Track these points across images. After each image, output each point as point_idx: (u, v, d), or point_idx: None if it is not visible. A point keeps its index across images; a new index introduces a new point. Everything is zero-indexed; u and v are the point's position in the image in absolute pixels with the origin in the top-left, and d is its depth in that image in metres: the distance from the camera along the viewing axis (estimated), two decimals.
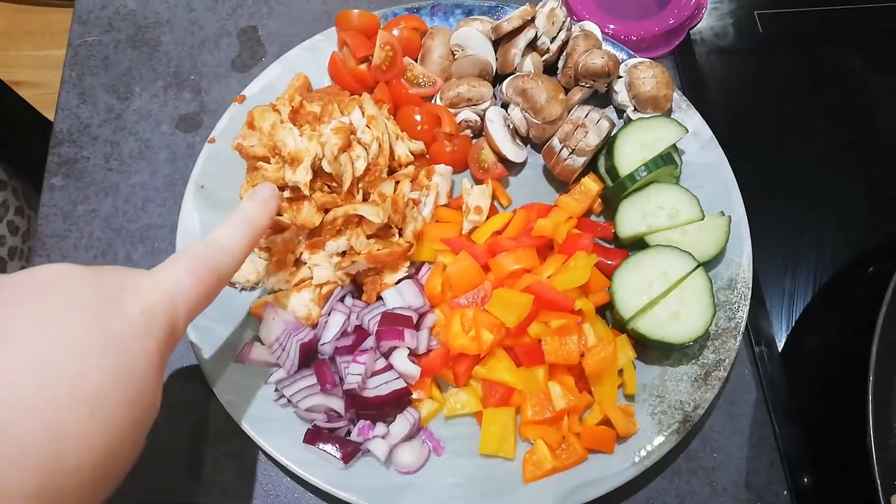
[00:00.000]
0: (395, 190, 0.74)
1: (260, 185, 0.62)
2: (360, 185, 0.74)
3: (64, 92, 0.91)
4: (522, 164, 0.84)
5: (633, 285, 0.69)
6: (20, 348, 0.37)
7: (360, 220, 0.72)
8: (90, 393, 0.38)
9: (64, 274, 0.42)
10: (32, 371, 0.37)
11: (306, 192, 0.72)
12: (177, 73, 0.92)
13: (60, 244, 0.82)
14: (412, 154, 0.80)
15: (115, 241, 0.82)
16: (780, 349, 0.75)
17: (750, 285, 0.73)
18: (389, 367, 0.68)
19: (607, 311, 0.73)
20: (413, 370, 0.67)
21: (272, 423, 0.67)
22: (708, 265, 0.73)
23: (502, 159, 0.81)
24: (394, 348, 0.68)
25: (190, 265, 0.48)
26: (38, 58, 2.50)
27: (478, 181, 0.82)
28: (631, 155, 0.77)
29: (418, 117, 0.82)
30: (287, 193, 0.74)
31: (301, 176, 0.71)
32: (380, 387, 0.67)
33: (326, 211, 0.73)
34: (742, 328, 0.71)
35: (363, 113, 0.76)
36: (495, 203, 0.81)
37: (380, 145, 0.75)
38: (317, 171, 0.73)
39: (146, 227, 0.83)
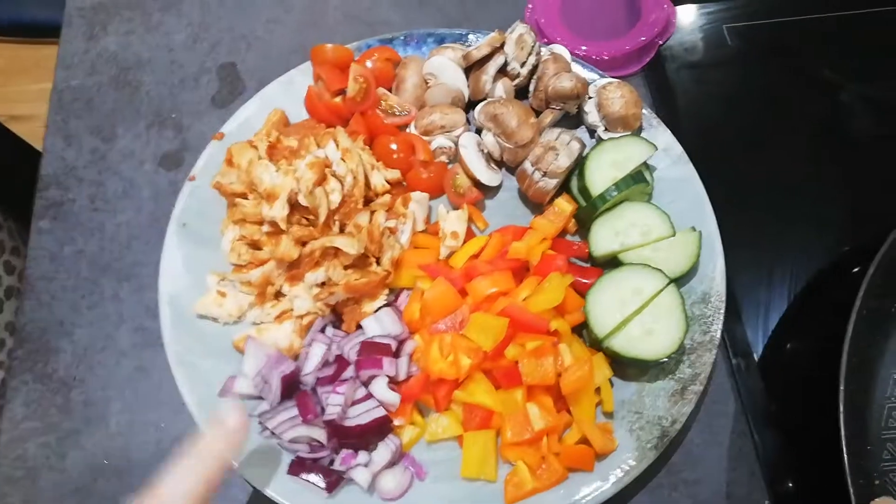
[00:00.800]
0: (370, 220, 0.76)
1: (227, 412, 0.56)
2: (335, 217, 0.75)
3: (49, 135, 0.93)
4: (498, 188, 0.86)
5: (607, 304, 0.70)
6: None
7: (337, 251, 0.74)
8: None
9: None
10: None
11: (283, 226, 0.73)
12: (158, 112, 0.94)
13: (49, 286, 0.84)
14: (389, 182, 0.81)
15: (102, 280, 0.84)
16: (756, 359, 0.76)
17: (723, 298, 0.74)
18: (370, 396, 0.69)
19: (584, 329, 0.75)
20: (393, 398, 0.69)
21: (256, 454, 0.69)
22: (681, 280, 0.75)
23: (477, 184, 0.83)
24: (373, 377, 0.69)
25: None
26: (36, 91, 2.54)
27: (454, 206, 0.84)
28: (602, 174, 0.78)
29: (394, 146, 0.84)
30: (266, 228, 0.76)
31: (278, 211, 0.73)
32: (361, 415, 0.68)
33: (304, 244, 0.75)
34: (717, 341, 0.72)
35: (338, 146, 0.78)
36: (472, 227, 0.82)
37: (354, 177, 0.77)
38: (293, 205, 0.74)
39: (132, 264, 0.85)
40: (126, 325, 0.81)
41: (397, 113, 0.86)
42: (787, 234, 0.83)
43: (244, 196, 0.77)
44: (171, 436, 0.75)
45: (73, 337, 0.81)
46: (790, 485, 0.70)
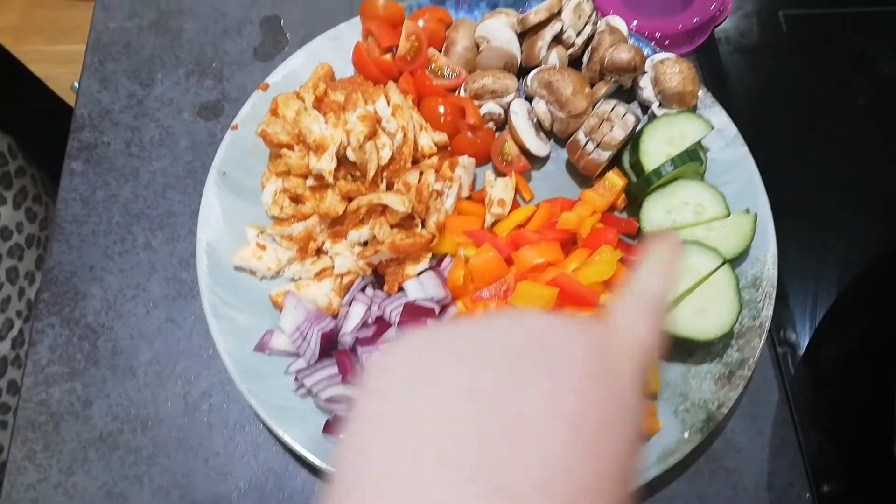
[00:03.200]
0: (419, 180, 0.74)
1: (667, 235, 0.50)
2: (384, 175, 0.73)
3: (85, 77, 0.91)
4: (545, 159, 0.84)
5: None
6: (561, 423, 0.33)
7: (384, 209, 0.72)
8: (621, 467, 0.35)
9: (556, 336, 0.38)
10: (587, 454, 0.32)
11: (330, 180, 0.71)
12: (199, 61, 0.92)
13: (79, 229, 0.82)
14: (436, 145, 0.79)
15: (135, 227, 0.82)
16: (803, 350, 0.74)
17: (775, 284, 0.72)
18: None
19: None
20: None
21: (291, 412, 0.67)
22: (732, 262, 0.73)
23: (525, 153, 0.81)
24: None
25: (644, 315, 0.43)
26: (49, 52, 2.50)
27: (500, 174, 0.81)
28: (656, 150, 0.76)
29: (442, 109, 0.81)
30: (310, 181, 0.74)
31: (325, 164, 0.71)
32: None
33: (350, 200, 0.73)
34: (767, 327, 0.70)
35: (388, 102, 0.76)
36: (517, 197, 0.80)
37: (405, 135, 0.74)
38: (341, 160, 0.72)
39: (166, 213, 0.83)
40: (158, 275, 0.79)
41: (447, 75, 0.83)
42: (839, 223, 0.81)
43: (289, 147, 0.75)
44: (199, 390, 0.74)
45: (102, 283, 0.79)
46: (833, 478, 0.68)
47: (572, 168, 0.83)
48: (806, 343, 0.75)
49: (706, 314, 0.67)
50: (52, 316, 0.77)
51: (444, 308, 0.71)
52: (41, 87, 1.26)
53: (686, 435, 0.65)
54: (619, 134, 0.76)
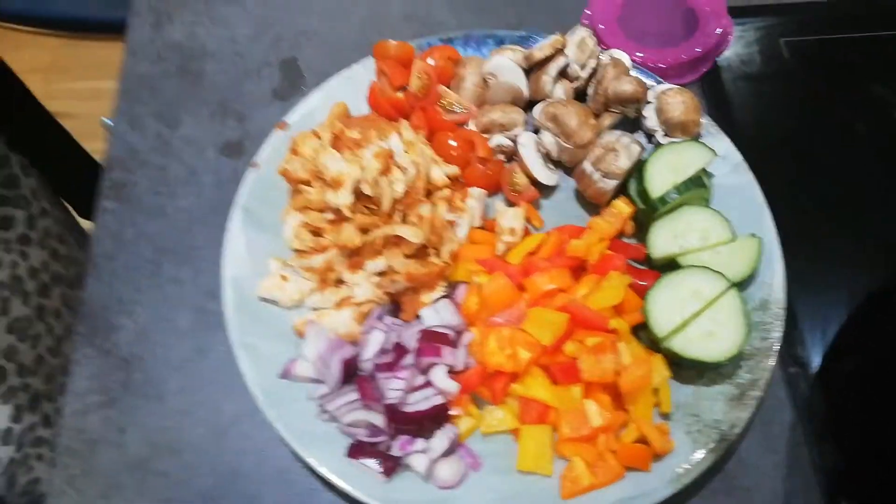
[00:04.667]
0: (432, 212, 0.77)
1: None
2: (398, 208, 0.77)
3: (116, 119, 0.96)
4: (554, 188, 0.87)
5: (667, 304, 0.71)
6: None
7: (399, 240, 0.75)
8: None
9: None
10: None
11: (348, 213, 0.75)
12: (221, 102, 0.97)
13: (111, 265, 0.86)
14: (447, 178, 0.82)
15: (163, 262, 0.86)
16: (814, 370, 0.76)
17: (783, 306, 0.74)
18: (428, 384, 0.70)
19: (640, 331, 0.75)
20: (452, 386, 0.69)
21: (315, 437, 0.69)
22: (740, 286, 0.75)
23: (534, 182, 0.84)
24: (433, 365, 0.70)
25: None
26: (78, 89, 2.60)
27: (511, 204, 0.84)
28: (661, 178, 0.79)
29: (453, 143, 0.85)
30: (329, 215, 0.77)
31: (343, 198, 0.74)
32: (420, 402, 0.68)
33: (366, 232, 0.76)
34: (776, 348, 0.71)
35: (401, 138, 0.79)
36: (528, 225, 0.83)
37: (417, 169, 0.78)
38: (357, 194, 0.76)
39: (192, 248, 0.86)
40: (185, 307, 0.83)
41: (457, 110, 0.87)
42: (845, 246, 0.83)
43: (308, 183, 0.78)
44: (227, 416, 0.77)
45: (133, 315, 0.83)
46: (848, 498, 0.69)
47: (581, 196, 0.85)
48: (818, 364, 0.76)
49: (715, 337, 0.69)
50: (88, 347, 0.81)
51: (458, 334, 0.74)
52: (65, 133, 1.31)
53: (699, 455, 0.67)
54: (624, 163, 0.79)
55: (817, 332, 0.77)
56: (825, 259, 0.82)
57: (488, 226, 0.83)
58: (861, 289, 0.80)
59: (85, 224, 1.17)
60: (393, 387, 0.68)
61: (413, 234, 0.73)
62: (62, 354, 0.97)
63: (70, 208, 1.22)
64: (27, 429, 0.90)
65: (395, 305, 0.78)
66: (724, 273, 0.72)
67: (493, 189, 0.85)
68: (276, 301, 0.77)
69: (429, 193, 0.81)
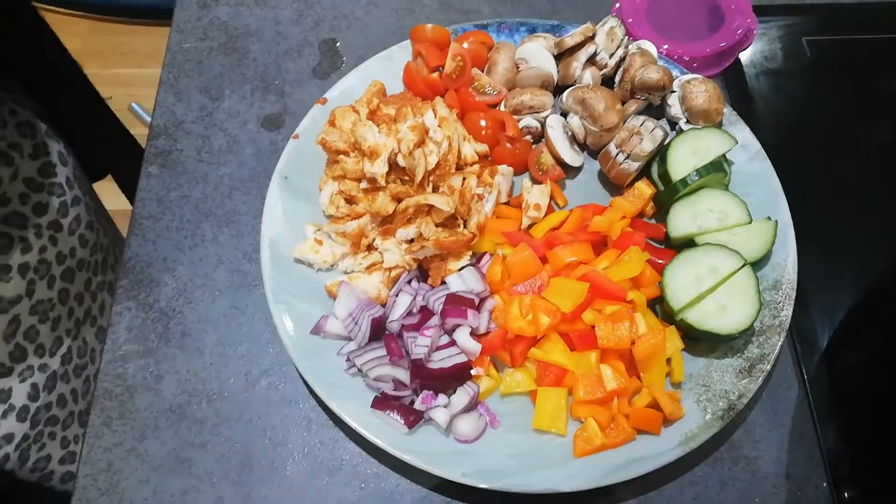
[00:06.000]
0: (462, 184, 0.81)
1: None
2: (430, 179, 0.81)
3: (162, 91, 1.01)
4: (578, 169, 0.90)
5: (684, 279, 0.74)
6: None
7: (430, 209, 0.79)
8: None
9: None
10: None
11: (383, 182, 0.79)
12: (263, 78, 1.02)
13: (154, 225, 0.91)
14: (477, 155, 0.86)
15: (204, 224, 0.91)
16: (822, 350, 0.78)
17: (794, 286, 0.77)
18: (453, 343, 0.73)
19: (657, 305, 0.78)
20: (474, 347, 0.73)
21: (343, 389, 0.73)
22: (754, 266, 0.78)
23: (560, 163, 0.88)
24: (457, 326, 0.74)
25: None
26: (107, 75, 2.66)
27: (537, 182, 0.88)
28: (683, 161, 0.82)
29: (483, 122, 0.89)
30: (364, 184, 0.81)
31: (379, 168, 0.79)
32: (443, 360, 0.72)
33: (399, 200, 0.80)
34: (786, 326, 0.74)
35: (436, 114, 0.84)
36: (552, 203, 0.87)
37: (450, 144, 0.82)
38: (392, 165, 0.80)
39: (232, 212, 0.91)
40: (224, 267, 0.87)
41: (489, 92, 0.91)
42: (858, 235, 0.86)
43: (346, 153, 0.83)
44: (258, 369, 0.81)
45: (174, 273, 0.87)
46: (850, 473, 0.72)
47: (604, 178, 0.89)
48: (825, 344, 0.79)
49: (728, 311, 0.73)
50: (129, 301, 0.86)
51: (482, 300, 0.78)
52: (111, 114, 1.35)
53: (707, 420, 0.70)
54: (647, 146, 0.83)
55: (826, 315, 0.80)
56: (837, 246, 0.85)
57: (514, 202, 0.87)
58: (870, 276, 0.83)
59: (111, 207, 1.20)
60: (420, 343, 0.72)
61: (444, 203, 0.77)
62: (80, 337, 1.00)
63: (99, 198, 1.25)
64: (43, 407, 0.92)
65: (423, 272, 0.82)
66: (739, 251, 0.75)
67: (521, 168, 0.89)
68: (310, 263, 0.82)
69: (459, 168, 0.85)
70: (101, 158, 1.17)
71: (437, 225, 0.80)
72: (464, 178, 0.82)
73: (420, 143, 0.80)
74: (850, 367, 0.77)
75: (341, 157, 0.83)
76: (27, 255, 0.89)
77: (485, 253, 0.82)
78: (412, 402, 0.73)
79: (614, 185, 0.87)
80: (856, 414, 0.75)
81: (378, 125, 0.83)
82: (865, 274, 0.82)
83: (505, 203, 0.86)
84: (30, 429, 0.91)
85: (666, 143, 0.85)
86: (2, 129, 0.86)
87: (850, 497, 0.70)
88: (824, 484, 0.73)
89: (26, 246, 0.88)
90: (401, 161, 0.79)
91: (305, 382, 0.78)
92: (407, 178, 0.81)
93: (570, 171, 0.90)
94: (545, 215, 0.84)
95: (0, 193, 0.88)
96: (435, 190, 0.81)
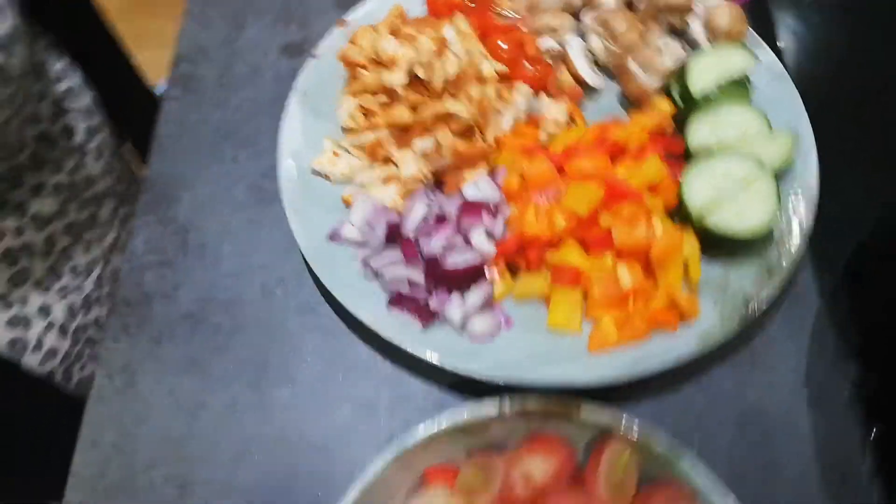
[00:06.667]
0: (481, 93, 0.81)
1: None
2: (449, 90, 0.81)
3: (186, 20, 1.03)
4: (598, 93, 0.90)
5: (703, 182, 0.73)
6: None
7: (448, 118, 0.79)
8: None
9: None
10: None
11: (401, 93, 0.79)
12: (285, 8, 1.03)
13: (175, 144, 0.92)
14: (496, 73, 0.86)
15: (223, 145, 0.92)
16: (844, 263, 0.77)
17: (816, 198, 0.76)
18: (468, 243, 0.73)
19: (674, 217, 0.77)
20: (489, 248, 0.73)
21: (359, 291, 0.74)
22: (775, 177, 0.76)
23: (580, 83, 0.87)
24: (473, 227, 0.74)
25: None
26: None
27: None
28: (704, 76, 0.81)
29: (503, 45, 0.89)
30: (382, 98, 0.82)
31: (398, 78, 0.79)
32: (458, 260, 0.72)
33: (416, 110, 0.80)
34: (807, 234, 0.73)
35: (455, 29, 0.84)
36: (570, 123, 0.86)
37: (469, 56, 0.82)
38: (411, 77, 0.80)
39: (252, 134, 0.92)
40: (242, 183, 0.88)
41: (510, 14, 0.91)
42: (880, 157, 0.84)
43: (365, 67, 0.83)
44: (275, 277, 0.81)
45: (194, 189, 0.88)
46: (873, 380, 0.70)
47: (624, 101, 0.88)
48: (846, 259, 0.78)
49: (746, 215, 0.72)
50: (149, 215, 0.87)
51: (497, 209, 0.77)
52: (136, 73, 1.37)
53: (725, 321, 0.69)
54: (668, 62, 0.82)
55: (847, 229, 0.79)
56: (862, 165, 0.83)
57: (532, 122, 0.86)
58: (892, 196, 0.81)
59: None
60: (435, 241, 0.72)
61: (462, 109, 0.77)
62: (111, 264, 1.02)
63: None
64: (81, 327, 0.94)
65: (439, 186, 0.82)
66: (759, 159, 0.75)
67: (540, 89, 0.89)
68: (327, 176, 0.82)
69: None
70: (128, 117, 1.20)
71: (454, 134, 0.80)
72: (482, 87, 0.82)
73: (440, 54, 0.80)
74: (871, 280, 0.76)
75: (360, 70, 0.83)
76: (58, 175, 0.91)
77: (500, 168, 0.82)
78: (427, 301, 0.73)
79: (635, 107, 0.87)
80: (877, 329, 0.74)
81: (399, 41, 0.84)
82: (888, 195, 0.81)
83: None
84: (71, 346, 0.92)
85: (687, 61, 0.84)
86: (33, 43, 0.88)
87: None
88: (845, 393, 0.71)
89: (56, 166, 0.90)
90: (419, 72, 0.79)
91: (321, 289, 0.79)
92: (427, 92, 0.81)
93: (590, 93, 0.89)
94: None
95: (32, 112, 0.90)
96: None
